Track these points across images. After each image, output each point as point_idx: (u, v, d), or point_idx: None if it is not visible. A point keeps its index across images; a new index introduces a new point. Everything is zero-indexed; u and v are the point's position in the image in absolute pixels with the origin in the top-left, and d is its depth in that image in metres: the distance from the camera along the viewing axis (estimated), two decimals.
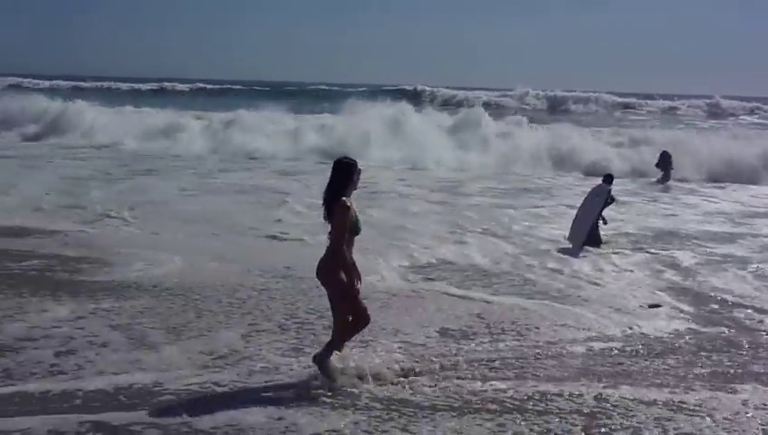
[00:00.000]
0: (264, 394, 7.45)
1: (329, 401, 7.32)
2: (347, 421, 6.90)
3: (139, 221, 16.51)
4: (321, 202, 7.37)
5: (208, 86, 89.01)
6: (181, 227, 15.91)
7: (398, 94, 57.97)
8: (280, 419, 6.91)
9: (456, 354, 8.80)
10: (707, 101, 78.34)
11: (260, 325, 9.54)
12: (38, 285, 10.95)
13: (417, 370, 8.19)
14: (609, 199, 15.50)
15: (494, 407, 7.33)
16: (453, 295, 11.34)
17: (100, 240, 14.30)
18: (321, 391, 7.47)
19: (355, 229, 7.32)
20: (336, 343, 7.62)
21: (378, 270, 12.49)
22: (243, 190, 22.03)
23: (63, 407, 7.06)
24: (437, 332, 9.62)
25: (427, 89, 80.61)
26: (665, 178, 27.04)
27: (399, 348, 8.92)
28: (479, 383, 7.94)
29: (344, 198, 7.19)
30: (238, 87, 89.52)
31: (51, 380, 7.66)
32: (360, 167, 7.42)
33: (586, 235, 14.80)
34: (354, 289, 7.37)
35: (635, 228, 17.63)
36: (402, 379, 7.90)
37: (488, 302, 11.05)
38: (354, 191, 7.41)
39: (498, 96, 76.50)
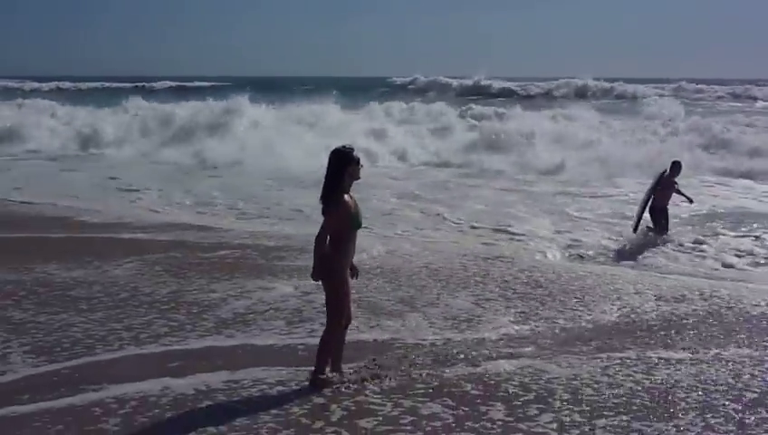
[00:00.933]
0: (506, 349, 9.25)
1: (570, 357, 9.02)
2: (599, 367, 8.64)
3: (279, 215, 19.42)
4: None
5: None
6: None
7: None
8: (528, 366, 8.66)
9: (687, 316, 10.67)
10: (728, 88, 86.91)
11: (484, 296, 11.58)
12: (242, 270, 12.99)
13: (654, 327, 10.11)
14: (658, 184, 16.45)
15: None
16: (628, 273, 13.38)
17: (286, 232, 16.67)
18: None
19: (355, 223, 7.75)
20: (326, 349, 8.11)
21: (536, 251, 15.26)
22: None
23: (289, 359, 8.86)
24: (654, 297, 11.59)
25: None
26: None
27: (627, 310, 10.93)
28: (717, 335, 9.88)
29: (341, 194, 7.63)
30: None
31: (280, 338, 9.62)
32: (357, 156, 7.74)
33: (637, 218, 16.35)
34: (348, 289, 7.97)
35: (725, 209, 20.22)
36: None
37: (667, 278, 13.04)
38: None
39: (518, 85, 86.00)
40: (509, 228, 17.57)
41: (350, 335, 9.46)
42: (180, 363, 8.74)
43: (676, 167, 16.40)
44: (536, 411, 7.46)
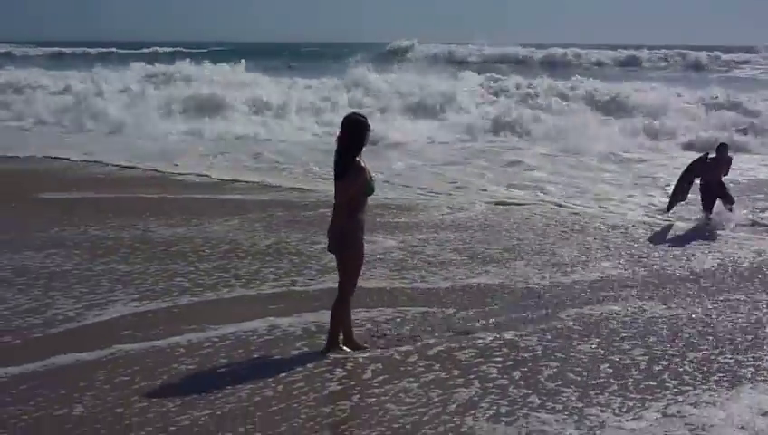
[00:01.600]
0: (611, 292, 10.91)
1: (672, 299, 10.60)
2: (700, 308, 10.23)
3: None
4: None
5: None
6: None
7: None
8: (631, 307, 10.25)
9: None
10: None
11: (585, 245, 13.35)
12: None
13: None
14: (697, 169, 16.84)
15: None
16: (720, 232, 14.83)
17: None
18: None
19: (368, 190, 8.31)
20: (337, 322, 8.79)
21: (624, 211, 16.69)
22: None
23: (394, 301, 10.30)
24: (753, 252, 13.37)
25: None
26: None
27: (727, 260, 12.62)
28: None
29: (358, 159, 8.22)
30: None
31: (388, 282, 11.14)
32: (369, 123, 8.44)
33: (672, 198, 16.77)
34: (362, 260, 8.60)
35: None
36: None
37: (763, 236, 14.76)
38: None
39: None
40: (590, 193, 18.77)
41: (458, 281, 11.21)
42: (286, 305, 10.19)
43: (724, 148, 17.08)
44: (629, 346, 8.81)
